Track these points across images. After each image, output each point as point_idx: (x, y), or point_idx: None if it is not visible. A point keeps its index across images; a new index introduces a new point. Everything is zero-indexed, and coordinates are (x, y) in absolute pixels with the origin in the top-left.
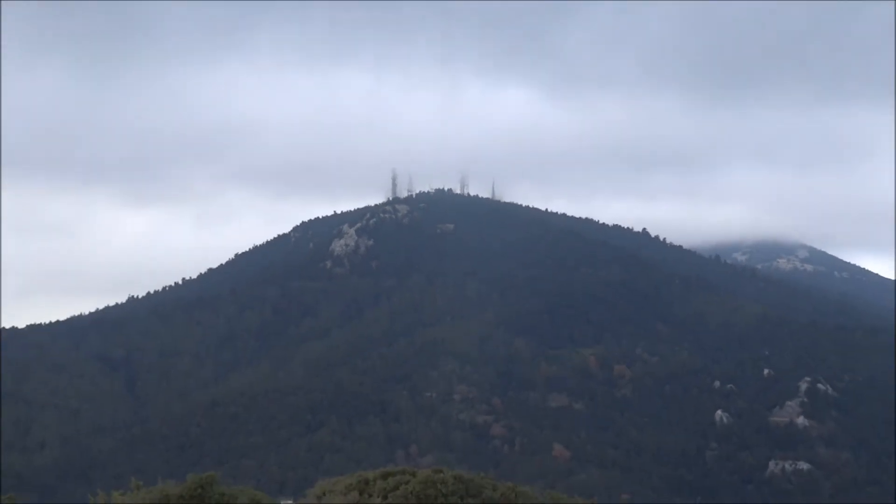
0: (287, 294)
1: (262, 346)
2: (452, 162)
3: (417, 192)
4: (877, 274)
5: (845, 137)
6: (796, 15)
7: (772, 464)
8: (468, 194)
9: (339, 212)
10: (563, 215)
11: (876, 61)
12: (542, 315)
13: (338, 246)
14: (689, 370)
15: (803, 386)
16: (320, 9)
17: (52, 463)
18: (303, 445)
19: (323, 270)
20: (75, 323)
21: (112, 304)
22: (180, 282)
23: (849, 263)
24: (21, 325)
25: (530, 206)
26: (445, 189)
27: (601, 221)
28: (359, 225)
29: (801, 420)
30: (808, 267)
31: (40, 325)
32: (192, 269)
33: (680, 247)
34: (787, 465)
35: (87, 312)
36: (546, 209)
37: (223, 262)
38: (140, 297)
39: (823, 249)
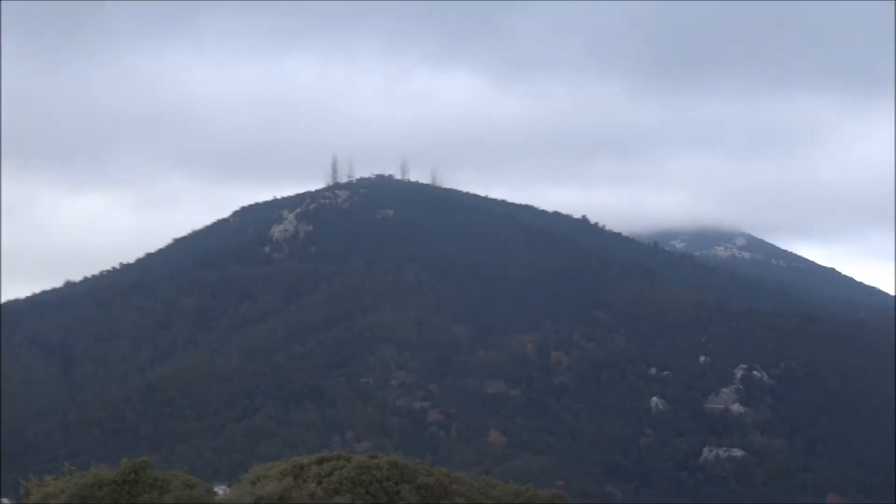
0: (225, 279)
1: (199, 331)
2: (395, 148)
3: (358, 177)
4: (813, 262)
5: (786, 125)
6: (741, 4)
7: (706, 450)
8: (409, 180)
9: (279, 197)
10: (503, 202)
11: (819, 50)
12: (481, 301)
13: (277, 231)
14: (625, 357)
15: (739, 373)
16: None
17: None
18: (239, 430)
19: (262, 255)
20: (11, 307)
21: (49, 288)
22: (118, 266)
23: (786, 251)
24: None
25: (470, 192)
26: (386, 175)
27: (541, 208)
28: (298, 210)
29: (736, 407)
30: (746, 255)
31: None
32: (132, 253)
33: (619, 234)
34: (721, 452)
35: (23, 297)
36: (486, 195)
37: (161, 247)
38: (77, 281)
39: (761, 237)
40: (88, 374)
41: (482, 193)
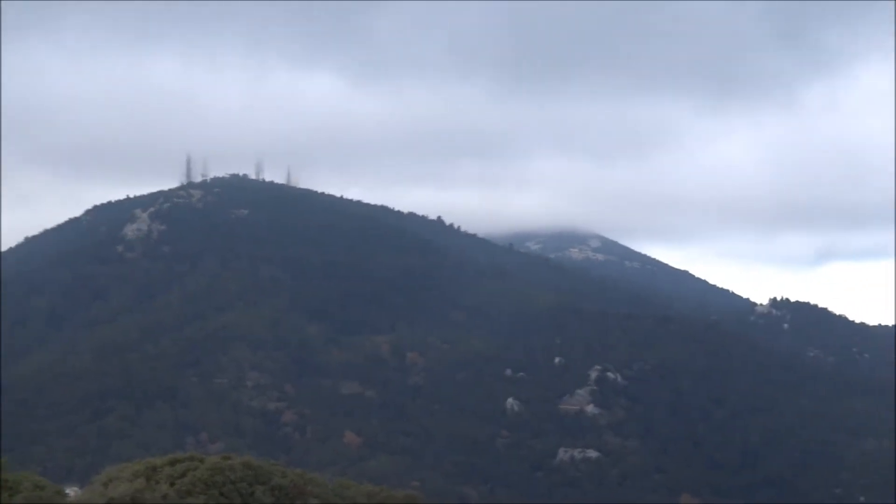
0: (78, 278)
1: (51, 331)
2: (253, 148)
3: (212, 177)
4: (667, 264)
5: (643, 127)
6: (604, 7)
7: (561, 451)
8: (263, 180)
9: (133, 196)
10: (359, 202)
11: (676, 52)
12: (336, 301)
13: (130, 230)
14: (480, 358)
15: (593, 374)
16: None
17: None
18: (92, 431)
19: (115, 255)
20: None
21: None
22: None
23: (640, 253)
24: None
25: (326, 192)
26: (241, 174)
27: (396, 209)
28: (152, 209)
29: (590, 408)
30: (600, 256)
31: None
32: None
33: (474, 235)
34: (575, 453)
35: None
36: (342, 196)
37: (12, 246)
38: None
39: (615, 239)
40: None
41: (338, 194)
